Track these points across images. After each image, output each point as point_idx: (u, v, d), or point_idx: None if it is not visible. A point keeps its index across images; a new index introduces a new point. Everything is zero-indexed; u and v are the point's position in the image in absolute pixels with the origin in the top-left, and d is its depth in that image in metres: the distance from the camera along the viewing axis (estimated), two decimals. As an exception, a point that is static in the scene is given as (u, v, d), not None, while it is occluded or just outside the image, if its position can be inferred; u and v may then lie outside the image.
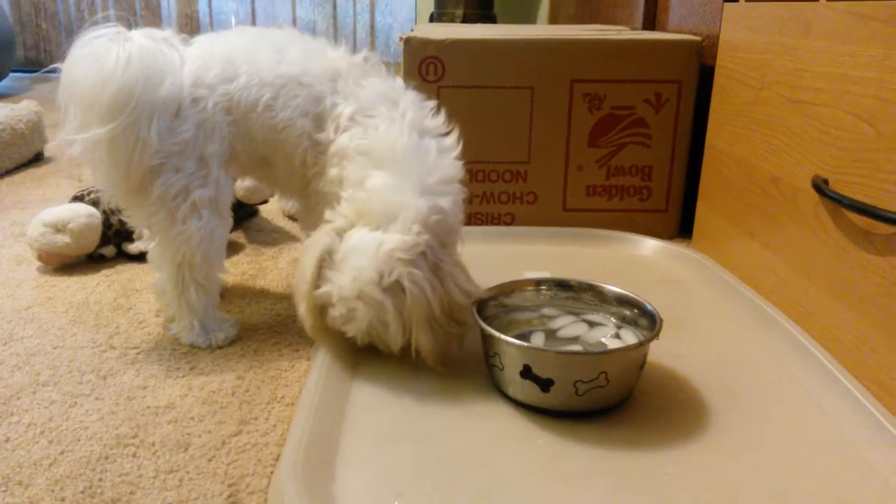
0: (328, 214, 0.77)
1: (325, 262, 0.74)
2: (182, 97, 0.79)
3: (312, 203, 0.86)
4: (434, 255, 0.73)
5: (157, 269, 0.87)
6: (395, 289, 0.71)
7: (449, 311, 0.74)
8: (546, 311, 0.84)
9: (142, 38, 0.78)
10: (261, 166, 0.88)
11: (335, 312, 0.74)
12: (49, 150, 1.87)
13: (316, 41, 0.88)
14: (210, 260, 0.84)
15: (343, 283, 0.72)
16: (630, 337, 0.79)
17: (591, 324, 0.82)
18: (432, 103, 0.86)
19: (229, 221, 0.86)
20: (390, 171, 0.77)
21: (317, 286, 0.74)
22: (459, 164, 0.81)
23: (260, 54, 0.83)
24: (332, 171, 0.81)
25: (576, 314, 0.83)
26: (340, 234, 0.74)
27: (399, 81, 0.88)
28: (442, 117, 0.85)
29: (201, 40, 0.86)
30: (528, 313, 0.84)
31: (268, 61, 0.82)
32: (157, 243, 0.86)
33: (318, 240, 0.75)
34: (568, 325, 0.82)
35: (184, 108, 0.79)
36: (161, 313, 0.94)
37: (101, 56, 0.75)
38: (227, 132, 0.82)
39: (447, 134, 0.84)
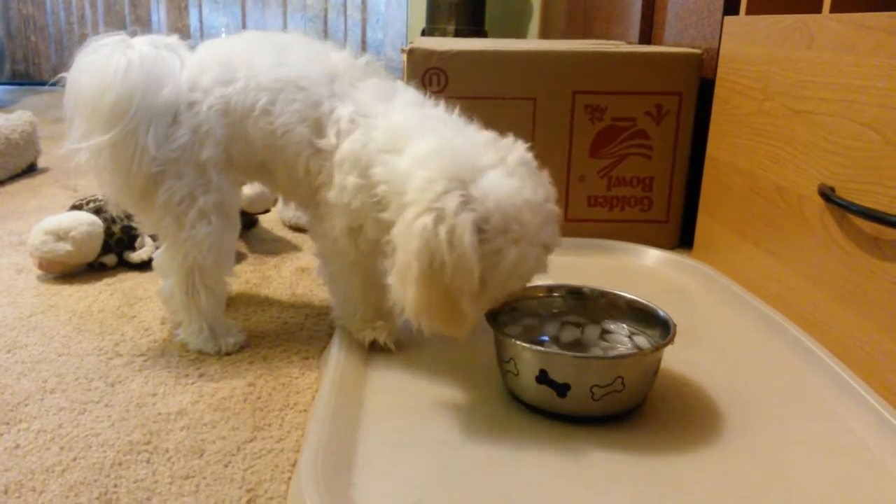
0: (417, 213, 0.67)
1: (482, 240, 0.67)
2: (179, 102, 0.78)
3: (322, 213, 0.82)
4: None
5: (164, 275, 0.86)
6: None
7: None
8: (528, 320, 0.84)
9: (144, 46, 0.78)
10: (261, 173, 0.85)
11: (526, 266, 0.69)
12: (44, 160, 1.86)
13: (320, 44, 0.85)
14: (220, 264, 0.83)
15: (520, 227, 0.67)
16: (619, 329, 0.81)
17: (580, 326, 0.83)
18: (432, 98, 0.82)
19: (238, 226, 0.86)
20: (424, 138, 0.72)
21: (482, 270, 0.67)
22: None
23: (259, 57, 0.81)
24: (349, 180, 0.76)
25: (557, 319, 0.84)
26: (468, 203, 0.66)
27: (399, 83, 0.85)
28: (443, 105, 0.81)
29: (205, 46, 0.85)
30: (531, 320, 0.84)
31: (266, 65, 0.80)
32: (164, 249, 0.85)
33: (460, 226, 0.65)
34: (562, 331, 0.83)
35: (180, 114, 0.79)
36: (168, 321, 0.93)
37: (102, 64, 0.76)
38: (221, 136, 0.80)
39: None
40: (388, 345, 0.83)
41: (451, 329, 0.70)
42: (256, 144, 0.81)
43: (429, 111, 0.79)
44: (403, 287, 0.68)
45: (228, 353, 0.85)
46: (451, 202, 0.65)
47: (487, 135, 0.75)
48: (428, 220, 0.65)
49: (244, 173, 0.87)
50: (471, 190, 0.67)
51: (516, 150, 0.72)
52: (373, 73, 0.85)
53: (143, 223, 0.86)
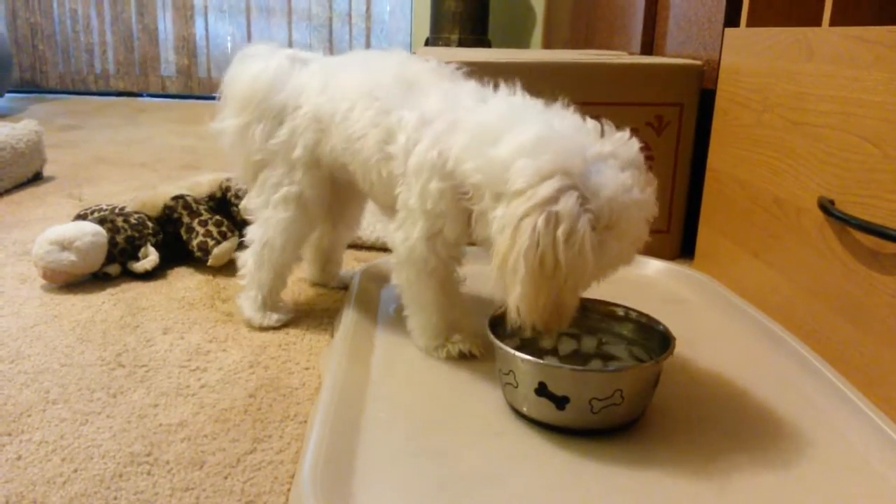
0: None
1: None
2: (288, 106, 0.92)
3: (399, 220, 0.82)
4: None
5: (249, 244, 0.98)
6: None
7: None
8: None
9: (282, 57, 0.95)
10: (346, 173, 0.92)
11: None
12: (50, 169, 1.87)
13: (410, 57, 0.90)
14: (287, 248, 0.95)
15: (626, 224, 0.67)
16: (618, 341, 0.82)
17: (578, 337, 0.83)
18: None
19: (313, 218, 0.97)
20: (523, 125, 0.70)
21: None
22: None
23: (350, 68, 0.91)
24: (432, 185, 0.76)
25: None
26: (585, 203, 0.65)
27: (472, 84, 0.84)
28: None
29: (319, 60, 0.97)
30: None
31: (350, 76, 0.89)
32: (254, 224, 0.98)
33: (581, 230, 0.64)
34: (560, 343, 0.83)
35: (286, 115, 0.92)
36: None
37: (246, 67, 0.96)
38: (310, 140, 0.91)
39: None
40: (473, 352, 0.85)
41: (553, 322, 0.69)
42: (338, 147, 0.89)
43: (522, 100, 0.78)
44: (509, 283, 0.67)
45: (272, 328, 0.97)
46: (569, 202, 0.64)
47: (592, 122, 0.72)
48: (540, 219, 0.64)
49: (332, 172, 0.95)
50: (583, 184, 0.65)
51: (630, 145, 0.70)
52: (455, 78, 0.86)
53: (249, 199, 1.00)
